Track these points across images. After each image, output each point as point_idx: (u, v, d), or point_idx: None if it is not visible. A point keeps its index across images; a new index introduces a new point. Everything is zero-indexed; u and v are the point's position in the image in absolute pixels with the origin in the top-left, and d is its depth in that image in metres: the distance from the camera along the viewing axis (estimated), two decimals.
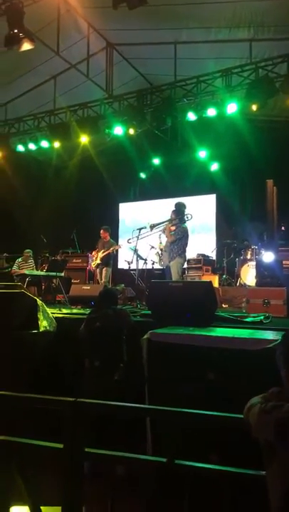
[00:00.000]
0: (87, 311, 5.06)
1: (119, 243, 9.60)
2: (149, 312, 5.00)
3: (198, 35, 7.47)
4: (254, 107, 6.92)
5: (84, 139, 8.80)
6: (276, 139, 8.82)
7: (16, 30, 6.24)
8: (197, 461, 1.94)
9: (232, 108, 7.48)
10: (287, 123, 8.78)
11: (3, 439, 2.20)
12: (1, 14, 6.37)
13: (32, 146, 9.53)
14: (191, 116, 7.97)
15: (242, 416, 1.71)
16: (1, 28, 6.39)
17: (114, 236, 10.05)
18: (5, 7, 6.30)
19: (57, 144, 9.08)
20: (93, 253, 9.09)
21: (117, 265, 9.81)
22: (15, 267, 8.99)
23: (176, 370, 3.47)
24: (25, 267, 8.94)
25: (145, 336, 3.76)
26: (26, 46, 6.33)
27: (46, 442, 2.09)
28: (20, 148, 9.73)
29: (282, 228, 8.21)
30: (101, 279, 8.66)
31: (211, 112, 7.76)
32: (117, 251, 9.27)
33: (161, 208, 11.51)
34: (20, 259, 9.12)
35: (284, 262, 7.14)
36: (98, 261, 8.73)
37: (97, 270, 8.79)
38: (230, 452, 2.53)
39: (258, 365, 3.07)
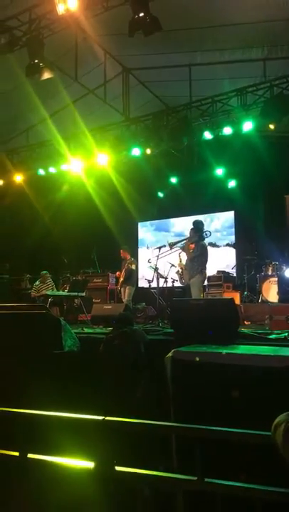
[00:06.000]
0: (110, 330, 5.12)
1: (140, 262, 9.69)
2: (172, 331, 5.03)
3: (212, 56, 7.64)
4: (271, 127, 7.01)
5: (102, 161, 9.01)
6: None
7: (36, 61, 6.51)
8: (225, 479, 1.94)
9: (247, 126, 7.57)
10: None
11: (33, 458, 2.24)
12: (22, 46, 6.66)
13: (52, 170, 9.78)
14: (207, 135, 8.10)
15: (267, 433, 1.71)
16: (22, 58, 6.69)
17: (134, 255, 10.12)
18: (26, 39, 6.60)
19: (77, 167, 9.31)
20: (118, 273, 9.21)
21: (137, 284, 9.86)
22: (33, 291, 9.10)
23: (201, 387, 3.47)
24: (44, 288, 9.06)
25: (169, 355, 3.78)
26: (46, 75, 6.60)
27: (76, 460, 2.13)
28: (41, 171, 10.00)
29: None
30: (124, 298, 8.71)
31: (227, 130, 7.88)
32: (136, 269, 9.31)
33: (180, 226, 11.62)
34: (37, 282, 9.24)
35: None
36: (121, 279, 8.82)
37: (121, 289, 8.87)
38: (259, 471, 2.51)
39: (283, 382, 3.05)
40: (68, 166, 9.55)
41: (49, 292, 8.50)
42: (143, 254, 11.64)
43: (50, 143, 9.65)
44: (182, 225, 11.33)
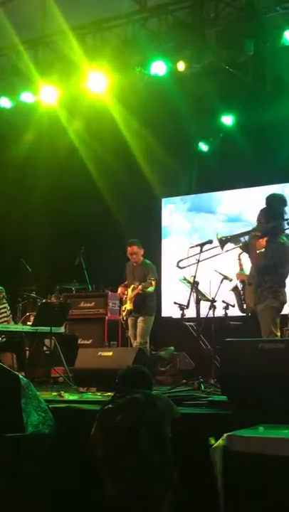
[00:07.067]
0: (109, 396, 5.14)
1: (164, 268, 9.65)
2: (224, 398, 5.06)
3: None
4: None
5: (98, 86, 9.04)
6: None
7: None
8: None
9: None
10: None
11: None
12: None
13: (6, 103, 9.86)
14: None
15: None
16: None
17: (154, 257, 10.14)
18: None
19: (50, 96, 9.37)
20: (120, 290, 9.09)
21: (160, 311, 9.85)
22: None
23: (279, 501, 3.47)
24: None
25: (219, 442, 3.79)
26: None
27: None
28: None
29: None
30: (134, 338, 8.66)
31: None
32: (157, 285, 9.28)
33: (238, 206, 11.58)
34: None
35: None
36: (129, 305, 8.73)
37: (129, 321, 8.82)
38: None
39: None
40: (36, 95, 9.60)
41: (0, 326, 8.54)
42: (170, 254, 11.57)
43: (3, 53, 9.73)
44: (242, 203, 11.31)
